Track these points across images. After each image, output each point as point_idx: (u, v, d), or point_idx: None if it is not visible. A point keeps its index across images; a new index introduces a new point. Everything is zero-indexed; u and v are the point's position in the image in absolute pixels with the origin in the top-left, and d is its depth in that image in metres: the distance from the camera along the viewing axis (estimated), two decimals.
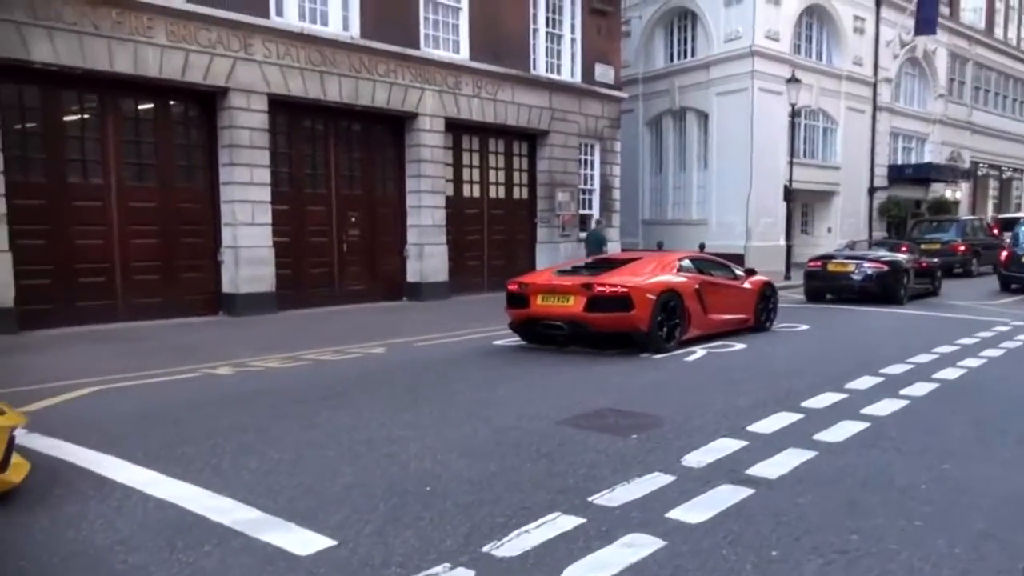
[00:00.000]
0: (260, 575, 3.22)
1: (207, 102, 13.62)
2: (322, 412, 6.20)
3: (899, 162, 31.73)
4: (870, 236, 27.84)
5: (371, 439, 5.32)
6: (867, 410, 6.05)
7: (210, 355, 9.14)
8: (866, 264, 15.39)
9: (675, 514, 3.81)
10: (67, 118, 12.24)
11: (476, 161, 18.43)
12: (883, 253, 16.51)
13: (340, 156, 15.81)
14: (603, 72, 20.55)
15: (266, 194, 13.95)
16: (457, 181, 17.89)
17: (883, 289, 15.16)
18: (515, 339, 10.17)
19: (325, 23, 14.97)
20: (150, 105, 13.14)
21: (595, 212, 20.78)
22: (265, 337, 11.02)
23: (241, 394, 7.00)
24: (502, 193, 19.10)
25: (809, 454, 4.86)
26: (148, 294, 12.96)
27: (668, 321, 9.24)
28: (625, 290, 8.82)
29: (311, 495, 4.17)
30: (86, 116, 12.44)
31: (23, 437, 4.96)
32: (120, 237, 12.65)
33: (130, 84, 12.53)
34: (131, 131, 12.89)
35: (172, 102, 13.41)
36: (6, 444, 3.96)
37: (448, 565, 3.26)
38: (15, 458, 4.11)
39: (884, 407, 6.17)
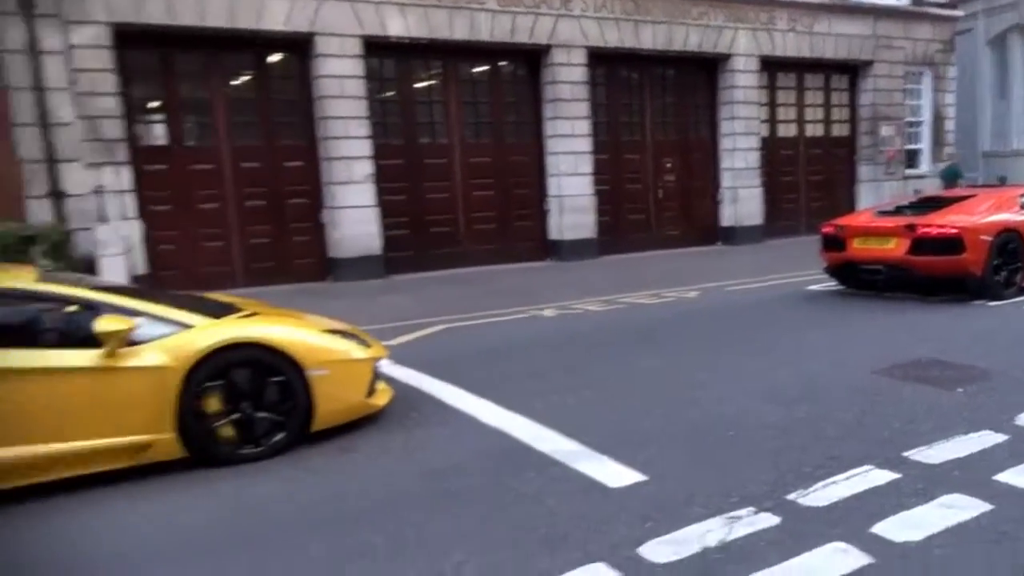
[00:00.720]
0: (576, 502, 3.59)
1: (532, 60, 14.49)
2: (633, 354, 6.60)
3: None
4: None
5: (678, 382, 5.60)
6: None
7: (537, 298, 10.00)
8: None
9: (1005, 477, 3.59)
10: (416, 85, 13.83)
11: (791, 99, 17.56)
12: None
13: (654, 103, 15.97)
14: None
15: (586, 145, 14.61)
16: (771, 121, 17.23)
17: None
18: (831, 284, 9.75)
19: None
20: (484, 68, 14.36)
21: (923, 146, 18.85)
22: (585, 281, 11.69)
23: (562, 335, 7.65)
24: (819, 131, 18.04)
25: None
26: (485, 242, 14.35)
27: (1007, 265, 8.35)
28: (955, 231, 8.11)
29: (621, 432, 4.54)
30: (432, 82, 13.95)
31: (389, 368, 5.98)
32: (463, 191, 14.12)
33: (466, 49, 13.75)
34: (469, 93, 14.22)
35: (502, 63, 14.50)
36: (371, 373, 4.82)
37: (753, 509, 3.37)
38: (380, 385, 4.99)
39: None
